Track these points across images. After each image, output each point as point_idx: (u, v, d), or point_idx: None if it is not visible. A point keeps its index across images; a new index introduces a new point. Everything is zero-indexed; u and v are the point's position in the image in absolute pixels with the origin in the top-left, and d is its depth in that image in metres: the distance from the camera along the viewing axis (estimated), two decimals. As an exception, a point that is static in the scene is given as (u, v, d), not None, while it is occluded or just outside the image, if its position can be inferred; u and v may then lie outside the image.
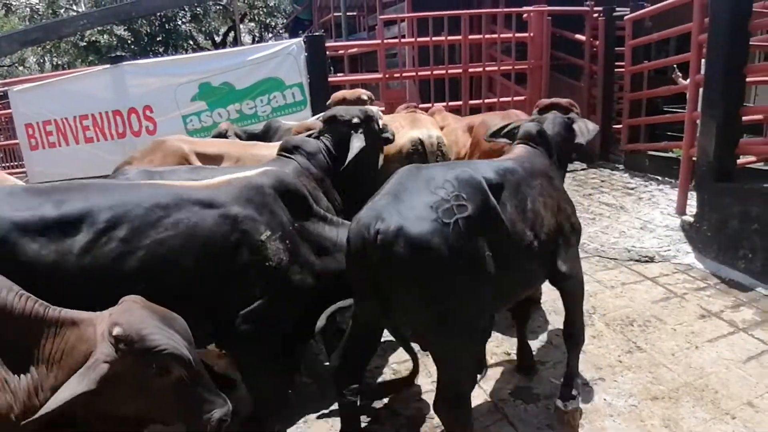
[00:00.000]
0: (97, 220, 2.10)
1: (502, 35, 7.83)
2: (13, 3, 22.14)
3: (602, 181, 7.25)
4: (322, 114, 4.02)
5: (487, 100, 7.91)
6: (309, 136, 3.60)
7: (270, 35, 24.00)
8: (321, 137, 3.57)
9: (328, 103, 4.82)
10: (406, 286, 2.17)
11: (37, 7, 21.76)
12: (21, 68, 26.77)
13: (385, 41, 7.75)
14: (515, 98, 7.85)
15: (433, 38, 7.47)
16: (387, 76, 7.59)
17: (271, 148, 3.79)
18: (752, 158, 5.79)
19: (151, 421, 2.03)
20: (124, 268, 2.12)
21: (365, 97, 4.77)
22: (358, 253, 2.21)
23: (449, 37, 7.49)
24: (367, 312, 2.40)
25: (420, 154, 4.12)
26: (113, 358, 1.77)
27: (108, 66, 7.16)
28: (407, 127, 4.31)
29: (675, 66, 6.88)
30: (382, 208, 2.17)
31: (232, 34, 24.13)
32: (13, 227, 1.98)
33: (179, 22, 21.30)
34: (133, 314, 1.86)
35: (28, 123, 7.36)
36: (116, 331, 1.79)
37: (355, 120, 3.49)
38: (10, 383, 1.75)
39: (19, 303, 1.79)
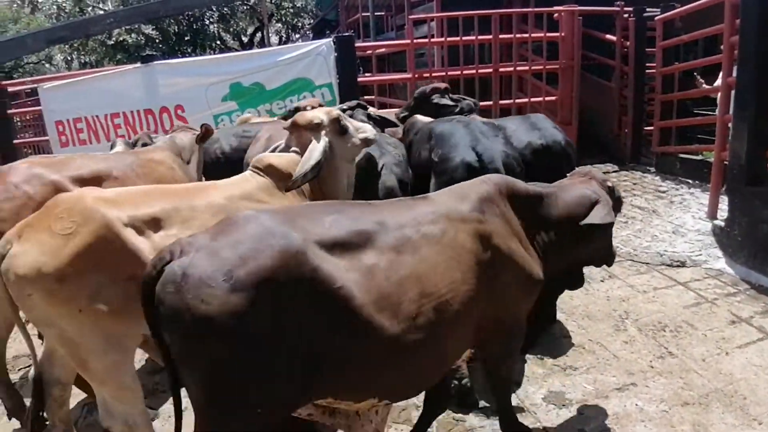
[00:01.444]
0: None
1: (533, 35, 7.76)
2: (40, 0, 22.54)
3: (634, 183, 7.17)
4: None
5: (517, 100, 7.84)
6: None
7: (297, 36, 24.13)
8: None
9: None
10: None
11: (63, 5, 22.11)
12: (48, 66, 27.25)
13: (415, 41, 7.74)
14: (546, 98, 7.80)
15: (464, 38, 7.43)
16: (416, 76, 7.56)
17: None
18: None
19: None
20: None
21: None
22: None
23: (479, 37, 7.45)
24: None
25: None
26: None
27: (139, 65, 7.24)
28: None
29: (695, 70, 6.81)
30: None
31: (259, 34, 24.32)
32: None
33: (207, 22, 21.51)
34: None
35: (58, 120, 7.46)
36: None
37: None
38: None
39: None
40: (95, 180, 3.20)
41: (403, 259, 1.94)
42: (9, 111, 8.30)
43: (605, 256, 2.82)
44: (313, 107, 3.70)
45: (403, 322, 1.88)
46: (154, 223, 2.32)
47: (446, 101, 4.31)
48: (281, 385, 1.77)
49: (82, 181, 3.14)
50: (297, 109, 4.06)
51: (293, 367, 1.76)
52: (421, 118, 3.99)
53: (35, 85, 8.07)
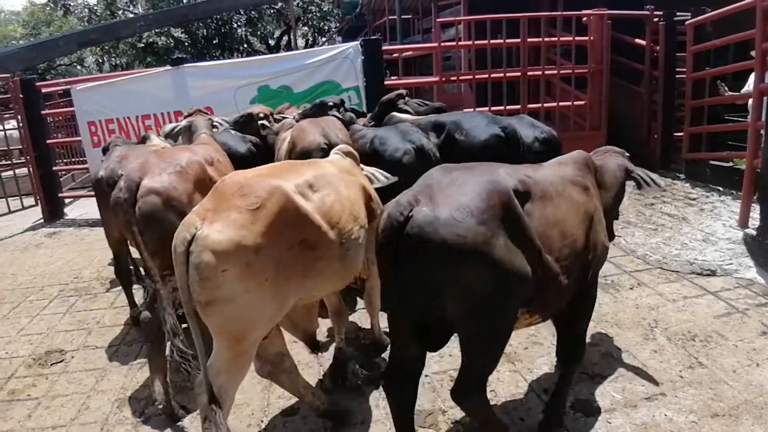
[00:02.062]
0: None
1: (561, 38, 7.70)
2: (72, 4, 23.01)
3: (663, 190, 7.07)
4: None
5: (545, 105, 7.77)
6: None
7: (323, 39, 24.28)
8: None
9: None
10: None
11: (95, 8, 22.55)
12: (79, 67, 27.80)
13: (442, 44, 7.74)
14: (575, 103, 7.73)
15: (491, 41, 7.40)
16: (443, 79, 7.55)
17: None
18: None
19: None
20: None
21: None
22: None
23: (507, 40, 7.42)
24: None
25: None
26: None
27: (169, 68, 7.36)
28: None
29: (726, 75, 6.70)
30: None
31: (285, 37, 24.53)
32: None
33: (235, 26, 21.74)
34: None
35: (91, 121, 7.63)
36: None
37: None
38: None
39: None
40: (210, 163, 3.60)
41: (549, 207, 2.46)
42: (43, 111, 8.47)
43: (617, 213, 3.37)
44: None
45: (553, 255, 2.40)
46: (310, 189, 2.63)
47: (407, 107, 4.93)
48: (516, 300, 2.30)
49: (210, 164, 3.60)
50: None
51: (522, 284, 2.25)
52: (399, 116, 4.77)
53: (69, 87, 8.23)
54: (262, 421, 3.13)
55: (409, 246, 2.19)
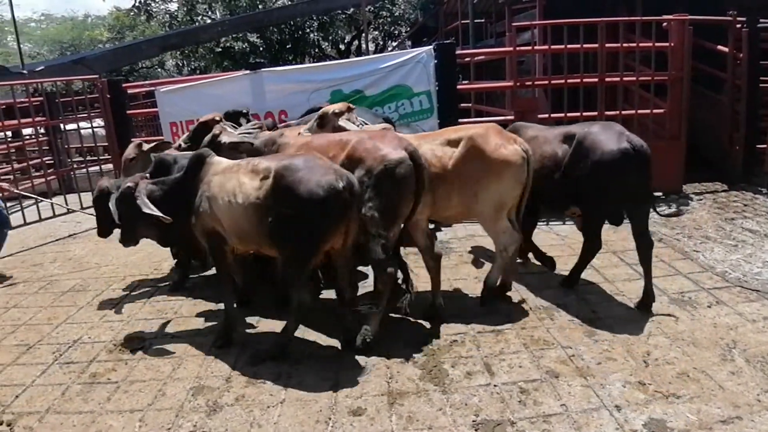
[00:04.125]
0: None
1: (641, 44, 7.47)
2: (154, 9, 24.05)
3: (744, 205, 6.78)
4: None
5: (624, 112, 7.53)
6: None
7: (393, 43, 24.43)
8: None
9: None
10: None
11: (176, 13, 23.48)
12: (160, 70, 28.99)
13: (517, 48, 7.66)
14: (654, 110, 7.49)
15: (568, 46, 7.27)
16: (518, 84, 7.47)
17: None
18: None
19: None
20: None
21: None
22: None
23: (585, 45, 7.26)
24: None
25: None
26: None
27: (248, 72, 7.59)
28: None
29: None
30: None
31: (356, 42, 24.84)
32: None
33: (307, 31, 22.18)
34: None
35: (173, 122, 7.94)
36: None
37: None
38: None
39: None
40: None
41: None
42: (129, 111, 8.90)
43: None
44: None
45: None
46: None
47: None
48: None
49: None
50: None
51: None
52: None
53: (153, 88, 8.60)
54: (330, 419, 3.19)
55: None
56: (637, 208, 4.29)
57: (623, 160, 4.10)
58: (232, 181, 3.82)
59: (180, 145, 5.30)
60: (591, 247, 4.58)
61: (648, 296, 4.28)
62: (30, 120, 8.95)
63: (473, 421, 3.08)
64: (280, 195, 3.56)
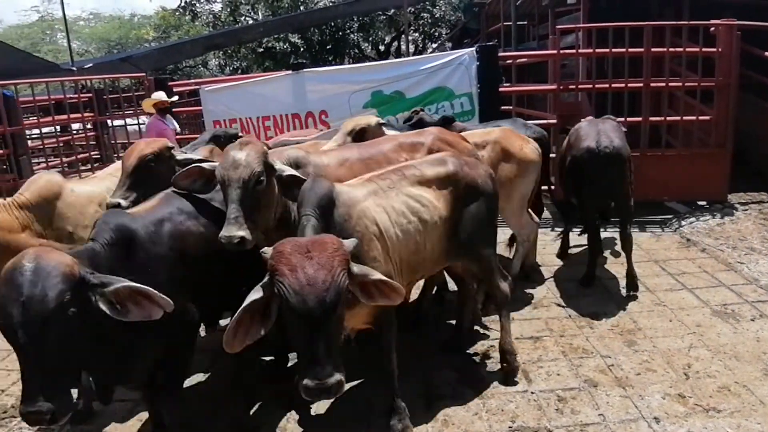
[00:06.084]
0: None
1: (687, 49, 7.29)
2: (199, 10, 24.52)
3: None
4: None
5: (669, 118, 7.37)
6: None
7: (433, 45, 24.39)
8: None
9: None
10: None
11: (219, 14, 23.90)
12: (203, 69, 29.50)
13: (561, 51, 7.58)
14: (700, 117, 7.31)
15: (613, 49, 7.15)
16: (561, 87, 7.37)
17: None
18: None
19: None
20: None
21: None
22: None
23: (630, 49, 7.13)
24: None
25: None
26: None
27: (290, 72, 7.69)
28: None
29: None
30: None
31: (395, 43, 24.88)
32: None
33: (348, 32, 22.31)
34: None
35: (216, 120, 8.10)
36: None
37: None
38: None
39: None
40: None
41: None
42: (174, 109, 9.09)
43: None
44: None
45: None
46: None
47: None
48: None
49: None
50: None
51: None
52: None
53: (197, 87, 8.79)
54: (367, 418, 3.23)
55: None
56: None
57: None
58: (398, 202, 3.06)
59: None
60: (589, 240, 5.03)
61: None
62: (79, 115, 9.25)
63: (509, 427, 3.08)
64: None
